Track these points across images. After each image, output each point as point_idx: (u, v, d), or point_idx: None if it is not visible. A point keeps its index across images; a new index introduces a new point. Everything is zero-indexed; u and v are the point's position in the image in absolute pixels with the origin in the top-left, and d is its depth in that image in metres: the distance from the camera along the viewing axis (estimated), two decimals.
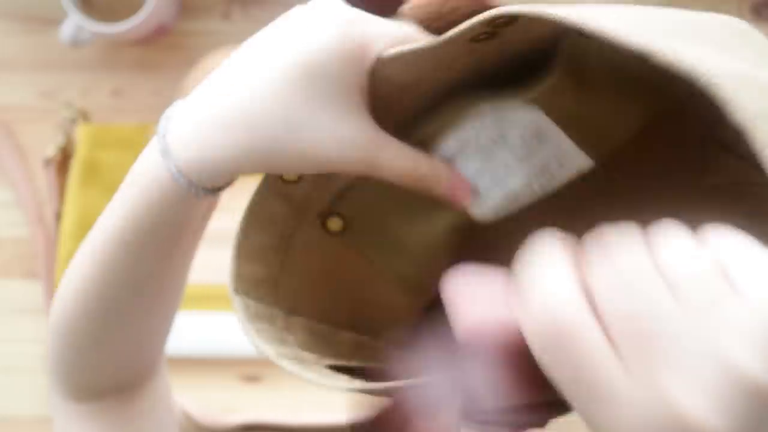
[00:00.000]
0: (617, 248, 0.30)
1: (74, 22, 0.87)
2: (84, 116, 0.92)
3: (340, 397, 0.91)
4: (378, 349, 0.46)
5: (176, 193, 0.43)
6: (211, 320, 0.90)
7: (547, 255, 0.31)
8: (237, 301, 0.43)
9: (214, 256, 0.89)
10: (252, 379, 0.92)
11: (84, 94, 0.93)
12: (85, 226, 0.91)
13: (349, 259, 0.48)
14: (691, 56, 0.31)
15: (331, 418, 0.90)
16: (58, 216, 0.92)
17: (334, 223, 0.47)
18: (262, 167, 0.41)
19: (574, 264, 0.31)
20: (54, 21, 0.94)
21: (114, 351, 0.54)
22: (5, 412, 0.93)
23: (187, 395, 0.91)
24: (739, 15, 0.91)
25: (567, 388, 0.30)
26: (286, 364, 0.41)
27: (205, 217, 0.48)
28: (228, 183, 0.43)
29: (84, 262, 0.50)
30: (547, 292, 0.30)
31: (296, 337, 0.45)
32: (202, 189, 0.42)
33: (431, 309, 0.47)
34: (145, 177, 0.43)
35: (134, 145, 0.92)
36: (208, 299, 0.90)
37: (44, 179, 0.93)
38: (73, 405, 0.58)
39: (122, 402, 0.59)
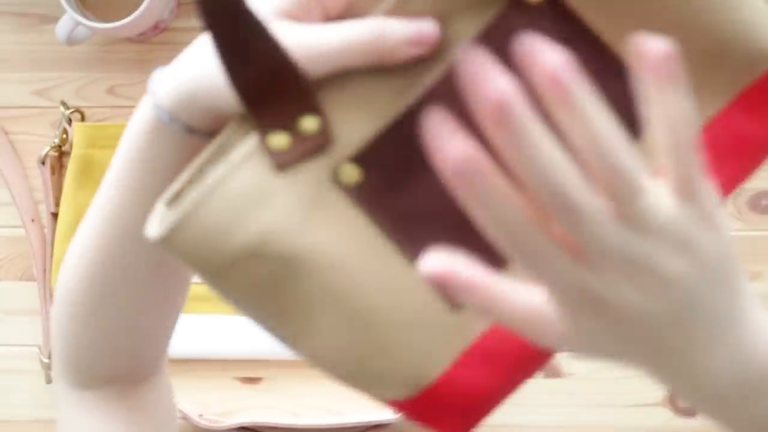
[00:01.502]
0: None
1: (70, 20, 0.87)
2: (80, 114, 0.91)
3: (340, 399, 0.91)
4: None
5: (163, 131, 0.48)
6: (211, 321, 0.90)
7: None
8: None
9: None
10: (251, 380, 0.91)
11: (80, 92, 0.93)
12: None
13: None
14: None
15: (330, 420, 0.89)
16: (54, 215, 0.91)
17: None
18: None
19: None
20: (50, 18, 0.93)
21: (114, 328, 0.55)
22: (1, 414, 0.92)
23: (187, 396, 0.91)
24: None
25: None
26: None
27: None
28: (207, 123, 0.47)
29: (88, 223, 0.53)
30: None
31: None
32: (183, 125, 0.47)
33: None
34: (136, 122, 0.49)
35: None
36: (208, 300, 0.90)
37: (39, 178, 0.93)
38: (77, 392, 0.59)
39: (124, 392, 0.60)
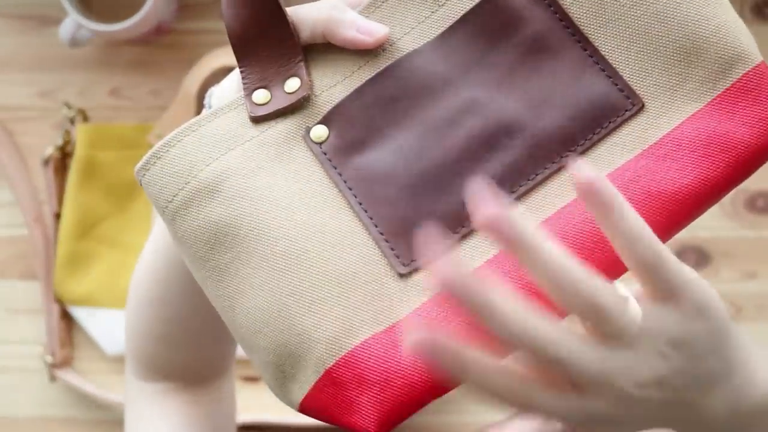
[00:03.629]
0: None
1: (73, 22, 0.87)
2: (83, 116, 0.92)
3: None
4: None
5: None
6: None
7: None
8: None
9: None
10: (252, 379, 0.92)
11: (83, 93, 0.93)
12: (83, 226, 0.91)
13: None
14: None
15: None
16: (57, 216, 0.92)
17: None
18: None
19: None
20: (53, 20, 0.94)
21: (172, 323, 0.59)
22: (3, 412, 0.93)
23: None
24: (740, 15, 0.91)
25: None
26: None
27: None
28: None
29: (156, 227, 0.57)
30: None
31: None
32: None
33: None
34: None
35: (133, 144, 0.92)
36: None
37: (43, 179, 0.93)
38: (140, 382, 0.63)
39: (184, 389, 0.62)
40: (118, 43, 0.93)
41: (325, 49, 0.49)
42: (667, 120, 0.46)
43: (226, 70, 0.92)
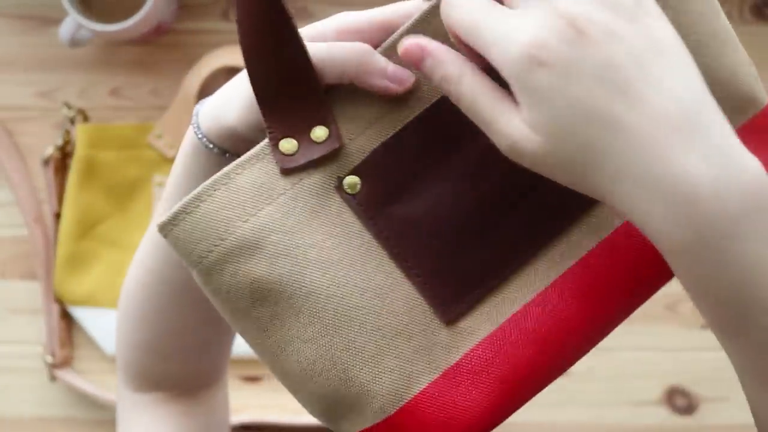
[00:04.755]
0: None
1: (73, 22, 0.87)
2: (83, 116, 0.92)
3: None
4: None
5: (202, 152, 0.51)
6: None
7: None
8: None
9: None
10: (252, 379, 0.92)
11: (83, 93, 0.93)
12: (83, 226, 0.91)
13: None
14: None
15: None
16: (57, 216, 0.92)
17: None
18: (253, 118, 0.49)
19: None
20: (53, 20, 0.94)
21: (162, 334, 0.59)
22: (3, 412, 0.93)
23: None
24: (740, 15, 0.91)
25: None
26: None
27: None
28: (233, 144, 0.50)
29: (148, 233, 0.57)
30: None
31: None
32: (217, 147, 0.50)
33: None
34: (183, 145, 0.52)
35: (133, 144, 0.92)
36: None
37: (43, 179, 0.93)
38: (130, 392, 0.63)
39: (175, 399, 0.63)
40: (118, 43, 0.93)
41: (348, 89, 0.47)
42: None
43: (226, 70, 0.92)
